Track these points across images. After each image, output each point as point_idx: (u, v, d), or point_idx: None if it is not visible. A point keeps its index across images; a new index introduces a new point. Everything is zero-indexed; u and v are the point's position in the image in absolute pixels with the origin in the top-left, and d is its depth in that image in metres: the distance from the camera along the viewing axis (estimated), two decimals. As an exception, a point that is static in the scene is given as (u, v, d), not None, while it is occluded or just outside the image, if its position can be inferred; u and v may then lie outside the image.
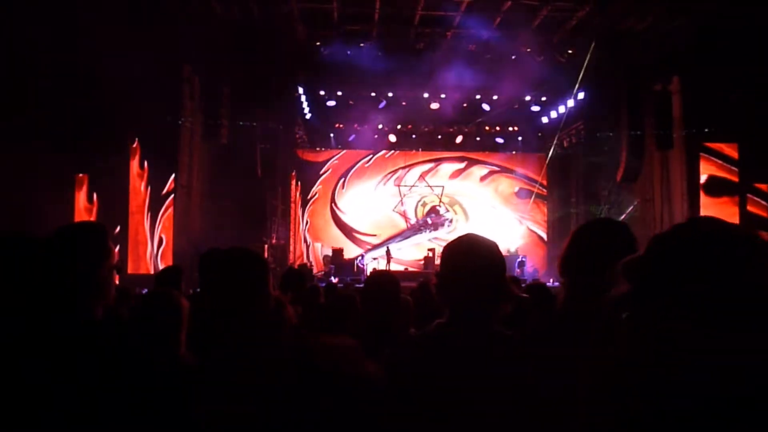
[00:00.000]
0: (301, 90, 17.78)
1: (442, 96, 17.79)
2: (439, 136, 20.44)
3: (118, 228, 12.23)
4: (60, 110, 10.76)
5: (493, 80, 16.37)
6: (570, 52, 15.45)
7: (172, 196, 13.77)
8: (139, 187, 13.33)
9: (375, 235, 20.51)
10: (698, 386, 1.15)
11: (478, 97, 18.08)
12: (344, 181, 20.59)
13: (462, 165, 20.89)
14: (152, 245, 13.51)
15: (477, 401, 1.89)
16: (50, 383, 1.57)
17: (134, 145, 13.17)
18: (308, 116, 18.90)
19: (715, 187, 13.71)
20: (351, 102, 18.24)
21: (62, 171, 11.59)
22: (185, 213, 13.95)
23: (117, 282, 2.26)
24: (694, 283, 1.20)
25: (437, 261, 11.57)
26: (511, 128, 20.25)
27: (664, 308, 1.23)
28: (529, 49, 15.29)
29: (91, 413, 1.58)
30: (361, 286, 5.76)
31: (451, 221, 20.79)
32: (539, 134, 20.18)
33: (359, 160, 20.60)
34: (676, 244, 1.28)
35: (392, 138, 20.14)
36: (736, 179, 13.70)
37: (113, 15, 10.57)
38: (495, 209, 20.85)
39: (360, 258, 18.86)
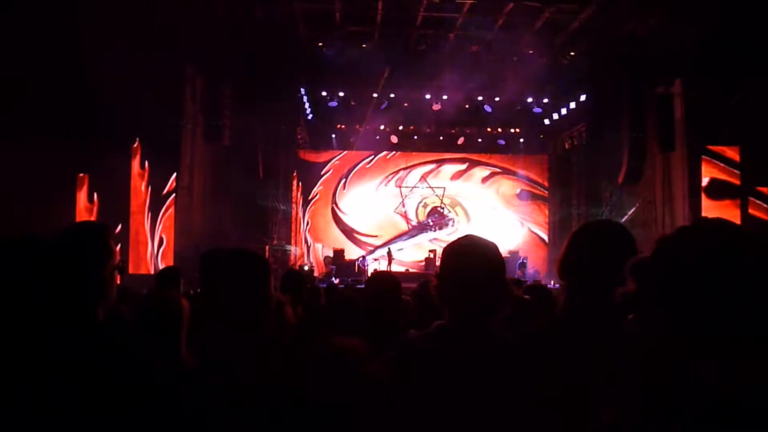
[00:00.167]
0: (302, 91, 17.79)
1: (444, 97, 17.78)
2: (441, 137, 20.45)
3: (119, 227, 12.23)
4: (61, 110, 10.76)
5: (495, 82, 16.37)
6: (572, 54, 15.44)
7: (173, 196, 13.77)
8: (139, 187, 13.34)
9: (376, 236, 20.51)
10: (690, 405, 1.15)
11: (480, 98, 18.07)
12: (345, 182, 20.60)
13: (463, 166, 20.90)
14: (152, 245, 13.51)
15: (477, 403, 1.89)
16: (51, 383, 1.57)
17: (135, 145, 13.18)
18: (310, 117, 18.91)
19: (717, 190, 13.68)
20: (353, 103, 18.24)
21: (63, 170, 11.59)
22: (187, 213, 13.96)
23: (119, 282, 2.25)
24: (700, 292, 1.19)
25: (438, 262, 11.54)
26: (512, 130, 20.26)
27: (669, 314, 1.23)
28: (531, 51, 15.28)
29: (91, 414, 1.58)
30: (362, 287, 5.76)
31: (453, 221, 20.79)
32: (541, 136, 20.20)
33: (360, 161, 20.61)
34: (685, 249, 1.27)
35: (394, 139, 20.15)
36: (737, 182, 13.68)
37: (115, 15, 10.57)
38: (496, 210, 20.84)
39: (361, 259, 18.85)
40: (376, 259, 19.50)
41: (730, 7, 11.33)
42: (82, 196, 12.34)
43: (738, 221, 13.02)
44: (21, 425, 1.51)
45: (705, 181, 13.75)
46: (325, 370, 1.28)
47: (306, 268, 17.65)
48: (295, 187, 20.09)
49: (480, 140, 20.53)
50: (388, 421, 1.68)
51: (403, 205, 20.75)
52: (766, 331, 1.16)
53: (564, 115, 17.90)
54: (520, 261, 18.34)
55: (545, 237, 20.72)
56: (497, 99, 18.03)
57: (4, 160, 9.97)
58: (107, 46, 10.40)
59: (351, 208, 20.62)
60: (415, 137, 20.20)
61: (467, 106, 18.37)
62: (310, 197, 20.52)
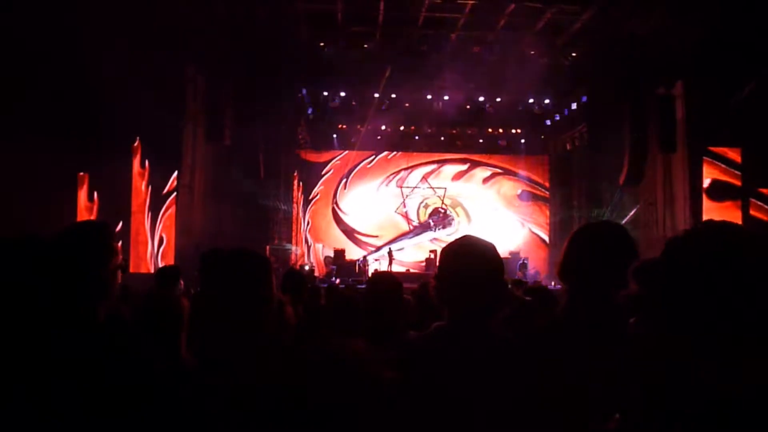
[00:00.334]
0: (304, 91, 17.79)
1: (446, 97, 17.78)
2: (442, 138, 20.45)
3: (119, 227, 12.23)
4: (61, 109, 10.76)
5: (497, 82, 16.37)
6: (573, 54, 15.44)
7: (174, 195, 13.76)
8: (140, 186, 13.34)
9: (376, 236, 20.52)
10: (690, 405, 1.15)
11: (481, 98, 18.07)
12: (346, 182, 20.61)
13: (464, 167, 20.91)
14: (153, 245, 13.51)
15: (477, 403, 1.88)
16: (51, 383, 1.56)
17: (135, 145, 13.18)
18: (311, 117, 18.90)
19: (718, 192, 13.67)
20: (354, 103, 18.24)
21: (64, 170, 11.59)
22: (187, 213, 13.95)
23: (120, 281, 2.25)
24: (703, 293, 1.19)
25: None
26: (514, 130, 20.25)
27: (673, 316, 1.22)
28: (532, 52, 15.28)
29: (91, 414, 1.58)
30: (363, 287, 5.76)
31: (453, 221, 20.79)
32: (542, 136, 20.19)
33: (361, 161, 20.61)
34: (690, 251, 1.27)
35: (395, 139, 20.13)
36: (739, 183, 13.68)
37: (116, 15, 10.57)
38: (497, 211, 20.85)
39: (362, 259, 18.85)
40: (377, 260, 19.49)
41: (731, 8, 11.32)
42: (82, 195, 12.34)
43: (739, 222, 13.03)
44: (21, 425, 1.50)
45: (706, 183, 13.74)
46: (326, 370, 1.27)
47: (306, 268, 17.65)
48: (296, 187, 20.10)
49: (481, 141, 20.54)
50: (388, 421, 1.67)
51: (404, 206, 20.75)
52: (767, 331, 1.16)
53: (565, 116, 17.89)
54: (521, 262, 18.35)
55: (546, 238, 20.72)
56: (498, 99, 18.03)
57: (4, 160, 9.98)
58: (108, 46, 10.40)
59: (352, 208, 20.63)
60: (417, 137, 20.19)
61: (468, 106, 18.37)
62: (310, 197, 20.52)
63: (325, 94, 17.93)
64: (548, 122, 19.07)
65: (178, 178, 13.44)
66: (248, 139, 16.12)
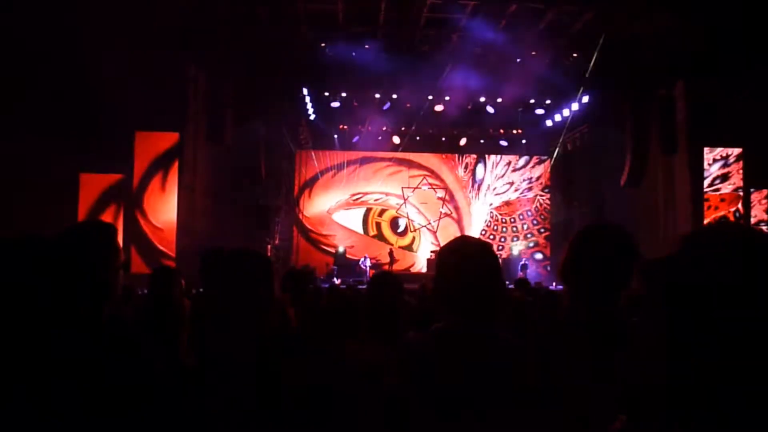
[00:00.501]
0: (305, 91, 17.80)
1: (447, 98, 17.79)
2: (443, 138, 20.44)
3: (121, 226, 12.25)
4: (62, 109, 10.78)
5: (498, 83, 16.37)
6: (575, 55, 15.44)
7: (175, 195, 13.77)
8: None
9: (377, 237, 20.53)
10: (691, 406, 1.15)
11: (482, 99, 18.07)
12: (347, 182, 20.61)
13: (465, 167, 20.91)
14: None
15: (477, 404, 1.88)
16: (51, 383, 1.56)
17: (136, 144, 13.19)
18: (312, 117, 18.91)
19: (719, 192, 13.69)
20: (355, 103, 18.25)
21: (65, 170, 11.62)
22: (188, 213, 13.95)
23: (122, 281, 2.25)
24: (723, 302, 1.18)
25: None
26: (515, 131, 20.26)
27: (684, 320, 1.21)
28: (534, 52, 15.28)
29: (91, 414, 1.57)
30: (364, 287, 5.76)
31: (454, 221, 20.82)
32: (543, 137, 20.19)
33: (362, 162, 20.61)
34: (711, 254, 1.25)
35: (396, 139, 20.15)
36: (740, 184, 13.69)
37: (117, 15, 10.58)
38: (498, 211, 20.85)
39: (363, 259, 18.86)
40: (376, 260, 19.50)
41: (732, 8, 11.32)
42: (83, 195, 12.37)
43: (739, 222, 13.03)
44: (21, 425, 1.50)
45: (707, 183, 13.75)
46: (327, 372, 1.27)
47: (308, 267, 17.64)
48: (296, 187, 20.11)
49: (482, 141, 20.53)
50: (388, 422, 1.67)
51: (405, 206, 20.75)
52: None
53: (566, 117, 17.89)
54: (522, 263, 18.36)
55: (547, 239, 20.72)
56: (499, 100, 18.03)
57: (5, 160, 9.99)
58: (108, 46, 10.42)
59: (353, 208, 20.63)
60: (418, 138, 20.19)
61: (470, 107, 18.38)
62: (310, 196, 20.53)
63: (326, 94, 17.93)
64: (549, 123, 19.07)
65: (179, 178, 13.44)
66: (249, 138, 16.13)
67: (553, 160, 20.41)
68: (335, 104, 18.17)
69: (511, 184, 20.92)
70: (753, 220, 13.51)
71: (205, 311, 2.42)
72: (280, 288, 4.78)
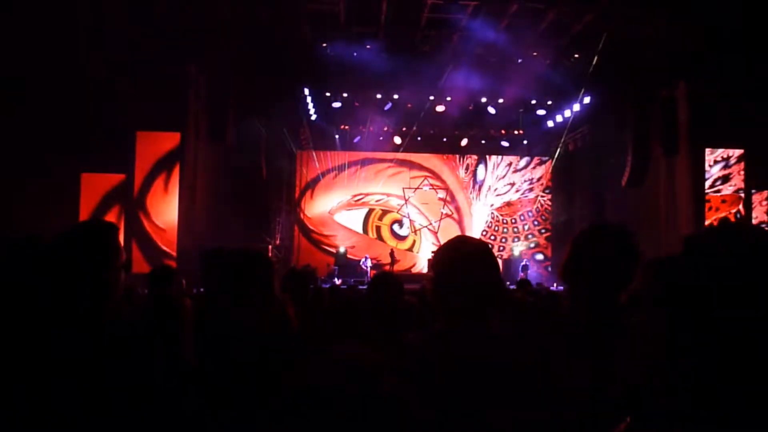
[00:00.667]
0: (306, 91, 17.80)
1: (448, 99, 17.78)
2: (444, 139, 20.44)
3: (122, 226, 12.26)
4: (64, 110, 10.79)
5: (499, 83, 16.37)
6: (576, 56, 15.43)
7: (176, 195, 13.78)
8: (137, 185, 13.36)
9: (378, 237, 20.53)
10: (692, 405, 1.15)
11: (483, 100, 18.07)
12: (348, 183, 20.61)
13: (466, 167, 20.91)
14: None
15: (478, 405, 1.88)
16: (51, 383, 1.56)
17: (137, 144, 13.20)
18: (313, 117, 18.91)
19: (720, 193, 13.69)
20: (356, 104, 18.25)
21: (66, 170, 11.63)
22: (190, 213, 13.95)
23: (123, 281, 2.25)
24: (723, 302, 1.18)
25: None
26: (516, 131, 20.25)
27: (684, 320, 1.21)
28: (535, 53, 15.28)
29: (91, 414, 1.57)
30: (365, 288, 5.75)
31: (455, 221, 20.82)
32: (544, 138, 20.18)
33: (363, 162, 20.61)
34: (712, 255, 1.25)
35: (397, 140, 20.14)
36: (741, 185, 13.68)
37: (118, 15, 10.59)
38: (499, 212, 20.85)
39: (364, 260, 18.86)
40: (377, 260, 19.50)
41: (733, 8, 11.32)
42: (84, 195, 12.38)
43: (741, 222, 13.02)
44: (21, 425, 1.50)
45: (708, 183, 13.75)
46: (327, 374, 1.27)
47: (308, 268, 17.64)
48: (298, 188, 20.11)
49: (483, 142, 20.52)
50: (389, 423, 1.67)
51: (406, 206, 20.75)
52: None
53: (567, 118, 17.89)
54: (523, 263, 18.35)
55: (548, 240, 20.71)
56: (501, 101, 18.03)
57: (6, 160, 10.00)
58: (110, 46, 10.43)
59: (354, 209, 20.63)
60: (419, 138, 20.18)
61: (471, 107, 18.37)
62: (312, 197, 20.53)
63: (328, 94, 17.94)
64: (550, 123, 19.06)
65: (181, 178, 13.44)
66: (250, 138, 16.13)
67: (554, 160, 20.39)
68: (336, 104, 18.18)
69: (512, 184, 20.91)
70: (754, 221, 13.49)
71: (206, 311, 2.42)
72: (281, 288, 4.78)
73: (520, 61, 15.52)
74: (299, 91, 17.50)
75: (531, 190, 20.91)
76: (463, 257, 2.04)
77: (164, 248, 13.04)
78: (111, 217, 12.36)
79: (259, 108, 15.80)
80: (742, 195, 13.75)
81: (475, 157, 20.81)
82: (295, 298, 4.47)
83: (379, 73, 15.49)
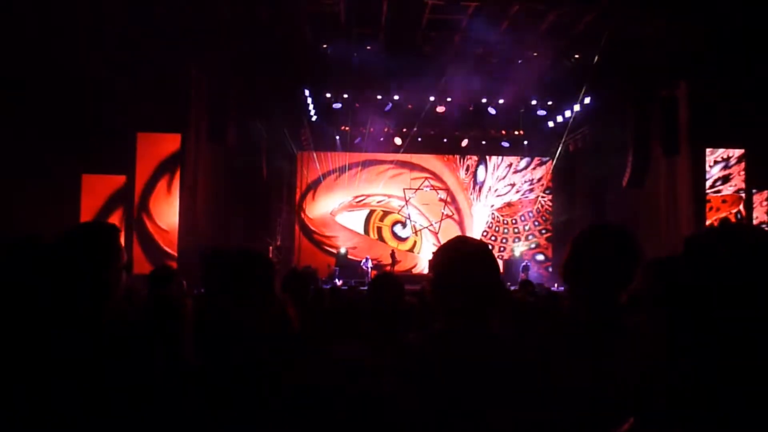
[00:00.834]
0: (307, 92, 17.81)
1: (448, 99, 17.78)
2: (445, 140, 20.43)
3: (123, 227, 12.26)
4: (65, 111, 10.79)
5: (500, 84, 16.36)
6: (577, 56, 15.43)
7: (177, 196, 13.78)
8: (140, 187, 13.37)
9: (378, 238, 20.54)
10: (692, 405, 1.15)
11: (484, 100, 18.06)
12: (349, 183, 20.62)
13: (466, 169, 20.91)
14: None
15: (478, 406, 1.88)
16: (51, 383, 1.56)
17: (138, 145, 13.21)
18: (314, 118, 18.92)
19: (721, 193, 13.69)
20: (357, 105, 18.24)
21: (67, 171, 11.63)
22: (191, 214, 13.96)
23: (124, 282, 2.25)
24: (724, 302, 1.18)
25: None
26: (516, 132, 20.24)
27: (685, 320, 1.21)
28: (535, 53, 15.27)
29: (91, 414, 1.58)
30: (366, 288, 5.75)
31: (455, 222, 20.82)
32: (545, 138, 20.17)
33: (364, 163, 20.62)
34: (712, 255, 1.25)
35: (398, 141, 20.14)
36: (741, 185, 13.68)
37: (119, 15, 10.60)
38: (499, 213, 20.85)
39: (364, 260, 18.86)
40: (378, 261, 19.50)
41: (733, 8, 11.32)
42: (85, 196, 12.38)
43: (742, 222, 13.01)
44: (21, 425, 1.50)
45: (709, 184, 13.75)
46: (326, 374, 1.27)
47: (309, 269, 17.65)
48: (298, 188, 20.12)
49: (484, 142, 20.52)
50: (389, 423, 1.67)
51: (407, 207, 20.76)
52: None
53: (568, 118, 17.89)
54: (524, 264, 18.34)
55: (549, 240, 20.71)
56: (501, 101, 18.02)
57: (7, 161, 10.01)
58: (112, 46, 10.43)
59: (355, 210, 20.64)
60: (419, 139, 20.18)
61: (471, 108, 18.37)
62: (313, 198, 20.54)
63: (328, 95, 17.94)
64: (551, 124, 19.05)
65: (181, 178, 13.45)
66: (251, 139, 16.14)
67: (555, 161, 20.39)
68: (337, 105, 18.17)
69: (513, 185, 20.91)
70: (754, 222, 13.49)
71: (206, 311, 2.42)
72: (282, 288, 4.79)
73: (520, 61, 15.51)
74: (300, 92, 17.51)
75: (531, 190, 20.91)
76: (463, 257, 2.04)
77: (167, 250, 13.05)
78: (114, 219, 12.37)
79: (259, 109, 15.80)
80: (743, 195, 13.74)
81: (475, 158, 20.81)
82: (295, 298, 4.47)
83: (380, 73, 15.49)
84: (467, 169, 20.89)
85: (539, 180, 20.91)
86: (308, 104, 18.29)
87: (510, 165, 20.89)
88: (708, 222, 13.46)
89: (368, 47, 15.18)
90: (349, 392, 1.67)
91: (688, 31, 12.05)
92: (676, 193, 14.32)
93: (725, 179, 13.79)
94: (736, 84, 12.23)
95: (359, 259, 19.11)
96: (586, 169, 18.75)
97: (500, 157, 20.85)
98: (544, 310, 3.68)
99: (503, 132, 20.18)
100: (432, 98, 17.83)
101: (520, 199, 20.92)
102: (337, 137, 20.13)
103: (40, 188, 10.58)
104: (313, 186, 20.45)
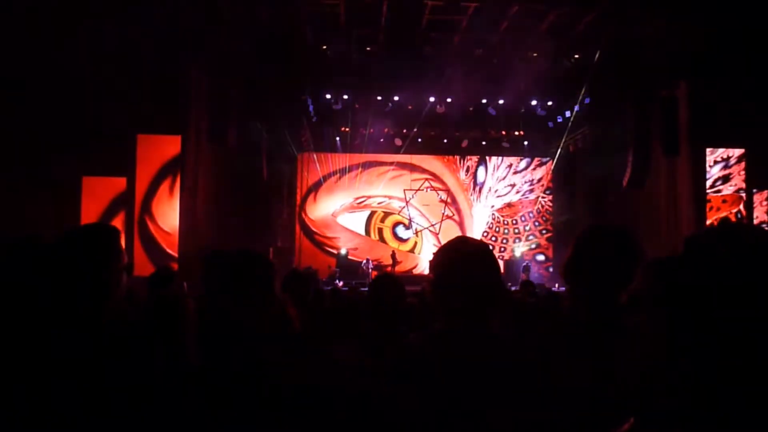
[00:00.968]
0: (307, 93, 17.80)
1: (449, 100, 17.78)
2: (445, 140, 20.43)
3: (124, 228, 12.26)
4: (64, 112, 10.80)
5: (500, 84, 16.36)
6: (577, 56, 15.43)
7: (177, 197, 13.78)
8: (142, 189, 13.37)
9: (379, 239, 20.54)
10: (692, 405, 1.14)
11: (484, 101, 18.06)
12: (350, 186, 20.63)
13: (467, 170, 20.92)
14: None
15: (478, 406, 1.88)
16: (51, 383, 1.56)
17: (138, 146, 13.21)
18: (314, 119, 18.91)
19: (721, 193, 13.69)
20: (357, 106, 18.24)
21: (67, 172, 11.63)
22: (191, 215, 13.96)
23: (125, 283, 2.25)
24: (724, 302, 1.18)
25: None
26: (517, 132, 20.24)
27: (685, 320, 1.21)
28: (535, 54, 15.27)
29: (91, 414, 1.58)
30: (366, 289, 5.75)
31: (455, 222, 20.82)
32: (545, 139, 20.17)
33: (364, 164, 20.62)
34: (712, 256, 1.25)
35: (398, 141, 20.14)
36: (741, 185, 13.68)
37: (120, 16, 10.60)
38: (500, 213, 20.85)
39: (365, 262, 18.86)
40: (379, 261, 19.50)
41: (733, 8, 11.32)
42: (86, 198, 12.38)
43: (742, 222, 13.01)
44: (21, 425, 1.50)
45: (709, 184, 13.75)
46: (345, 380, 1.27)
47: (310, 270, 17.66)
48: (299, 189, 20.12)
49: (484, 143, 20.52)
50: (389, 423, 1.67)
51: (408, 208, 20.76)
52: None
53: (568, 118, 17.88)
54: (524, 264, 18.34)
55: (549, 240, 20.71)
56: (501, 102, 18.02)
57: (8, 163, 10.01)
58: (112, 47, 10.43)
59: (357, 211, 20.65)
60: (419, 140, 20.18)
61: (471, 108, 18.37)
62: (315, 200, 20.55)
63: (328, 96, 17.94)
64: (551, 124, 19.05)
65: (182, 179, 13.45)
66: (252, 140, 16.13)
67: (555, 161, 20.38)
68: (337, 106, 18.17)
69: (513, 186, 20.92)
70: (755, 221, 13.48)
71: (206, 311, 2.42)
72: (282, 289, 4.79)
73: (520, 61, 15.51)
74: (300, 93, 17.50)
75: (531, 191, 20.91)
76: (464, 258, 2.04)
77: (170, 252, 13.05)
78: (117, 222, 12.36)
79: (259, 110, 15.79)
80: (742, 195, 13.74)
81: (475, 159, 20.81)
82: (295, 299, 4.48)
83: (380, 74, 15.48)
84: (467, 170, 20.90)
85: (539, 180, 20.91)
86: (308, 105, 18.28)
87: (510, 166, 20.90)
88: (708, 222, 13.46)
89: (368, 48, 15.18)
90: (349, 392, 1.68)
91: (688, 31, 12.04)
92: (677, 193, 14.31)
93: (725, 179, 13.78)
94: (736, 84, 12.22)
95: (360, 260, 19.11)
96: (586, 169, 18.73)
97: (500, 158, 20.86)
98: (544, 310, 3.68)
99: (503, 132, 20.16)
100: (432, 99, 17.82)
101: (520, 199, 20.92)
102: (338, 138, 20.13)
103: (40, 190, 10.58)
104: (315, 187, 20.46)
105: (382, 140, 19.96)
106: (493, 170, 20.91)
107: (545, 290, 7.92)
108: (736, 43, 11.71)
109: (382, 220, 20.65)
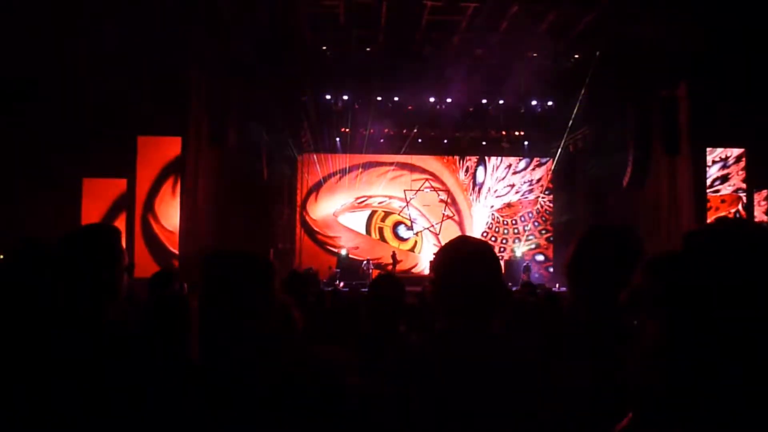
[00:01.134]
0: (307, 94, 17.80)
1: (448, 100, 17.79)
2: (445, 141, 20.44)
3: (124, 229, 12.26)
4: (65, 113, 10.80)
5: (500, 84, 16.37)
6: (577, 56, 15.43)
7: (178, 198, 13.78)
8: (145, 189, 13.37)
9: (379, 240, 20.55)
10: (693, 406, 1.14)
11: (484, 101, 18.06)
12: (351, 187, 20.63)
13: (466, 170, 20.92)
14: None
15: (479, 407, 1.88)
16: (51, 383, 1.56)
17: (139, 149, 13.21)
18: (314, 120, 18.91)
19: (719, 193, 13.69)
20: (357, 106, 18.25)
21: (68, 173, 11.63)
22: (191, 216, 13.96)
23: (127, 284, 2.26)
24: (724, 302, 1.17)
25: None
26: (517, 132, 20.24)
27: (685, 320, 1.21)
28: (535, 54, 15.28)
29: (91, 414, 1.58)
30: (367, 290, 5.76)
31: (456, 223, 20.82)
32: (545, 139, 20.17)
33: (364, 164, 20.63)
34: (711, 255, 1.25)
35: (398, 142, 20.13)
36: (740, 185, 13.68)
37: (120, 17, 10.60)
38: (499, 213, 20.86)
39: (366, 262, 18.86)
40: (378, 261, 19.49)
41: (733, 8, 11.32)
42: (86, 199, 12.39)
43: (741, 219, 12.99)
44: (21, 425, 1.50)
45: (709, 183, 13.75)
46: (345, 380, 1.27)
47: (311, 271, 17.66)
48: (299, 190, 20.12)
49: (484, 143, 20.52)
50: (390, 424, 1.67)
51: (408, 208, 20.77)
52: None
53: (568, 118, 17.88)
54: (525, 264, 18.34)
55: (549, 240, 20.71)
56: (501, 102, 18.02)
57: (9, 164, 10.02)
58: (111, 48, 10.43)
59: (357, 211, 20.66)
60: (419, 140, 20.18)
61: (471, 108, 18.37)
62: (316, 200, 20.56)
63: (328, 97, 17.94)
64: (551, 124, 19.04)
65: (182, 181, 13.45)
66: (252, 141, 16.13)
67: (555, 161, 20.39)
68: (337, 107, 18.17)
69: (512, 186, 20.92)
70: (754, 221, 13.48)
71: (207, 314, 2.42)
72: (282, 289, 4.78)
73: (520, 62, 15.52)
74: (299, 94, 17.51)
75: (531, 191, 20.91)
76: (464, 257, 2.04)
77: (173, 251, 13.08)
78: (119, 223, 12.36)
79: (259, 111, 15.80)
80: (741, 195, 13.74)
81: (474, 159, 20.82)
82: (295, 299, 4.47)
83: (380, 75, 15.49)
84: (467, 171, 20.90)
85: (539, 180, 20.91)
86: (308, 106, 18.28)
87: (509, 166, 20.90)
88: (708, 222, 13.45)
89: (368, 49, 15.18)
90: (349, 392, 1.68)
91: (688, 31, 12.04)
92: (677, 193, 14.30)
93: (724, 179, 13.78)
94: (736, 84, 12.22)
95: (360, 260, 19.12)
96: (586, 169, 18.73)
97: (499, 158, 20.86)
98: (543, 309, 3.68)
99: (503, 132, 20.17)
100: (432, 99, 17.82)
101: (519, 199, 20.92)
102: (338, 139, 20.14)
103: (41, 191, 10.59)
104: (316, 188, 20.47)
105: (382, 141, 19.96)
106: (492, 170, 20.92)
107: (545, 290, 7.92)
108: (736, 43, 11.71)
109: (383, 220, 20.66)
